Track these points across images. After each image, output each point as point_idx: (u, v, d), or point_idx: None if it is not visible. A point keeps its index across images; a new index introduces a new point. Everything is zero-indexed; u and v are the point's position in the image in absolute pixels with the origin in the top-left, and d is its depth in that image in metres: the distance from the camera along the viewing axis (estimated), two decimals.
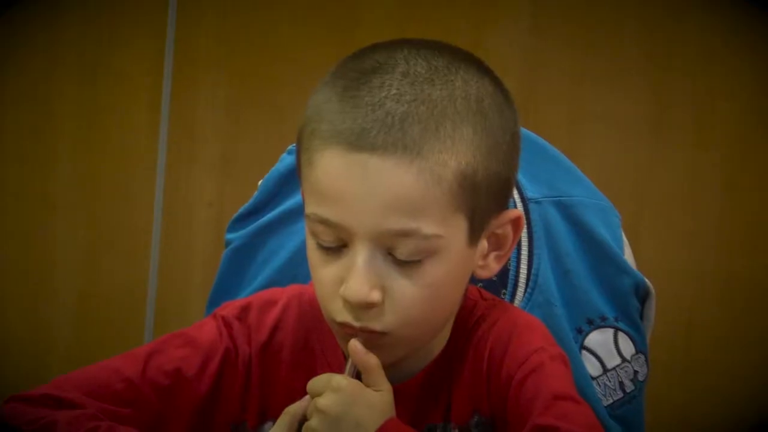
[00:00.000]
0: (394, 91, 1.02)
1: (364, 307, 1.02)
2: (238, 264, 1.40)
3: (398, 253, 1.01)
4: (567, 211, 1.36)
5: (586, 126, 2.26)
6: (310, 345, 1.16)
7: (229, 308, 1.17)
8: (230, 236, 1.39)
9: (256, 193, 1.39)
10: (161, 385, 1.14)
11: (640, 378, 1.32)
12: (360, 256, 1.01)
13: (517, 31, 2.32)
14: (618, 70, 2.30)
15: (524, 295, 1.32)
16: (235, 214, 1.40)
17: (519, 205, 1.32)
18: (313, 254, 1.07)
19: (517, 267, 1.33)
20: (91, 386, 1.14)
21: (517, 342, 1.09)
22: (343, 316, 1.02)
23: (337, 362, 1.11)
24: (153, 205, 2.54)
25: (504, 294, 1.31)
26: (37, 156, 2.51)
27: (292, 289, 1.19)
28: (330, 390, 1.03)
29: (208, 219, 2.17)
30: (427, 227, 1.01)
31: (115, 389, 1.13)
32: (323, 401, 1.03)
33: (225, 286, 1.37)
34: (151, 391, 1.14)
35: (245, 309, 1.17)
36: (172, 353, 1.15)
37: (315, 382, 1.05)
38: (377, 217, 1.01)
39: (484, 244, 1.07)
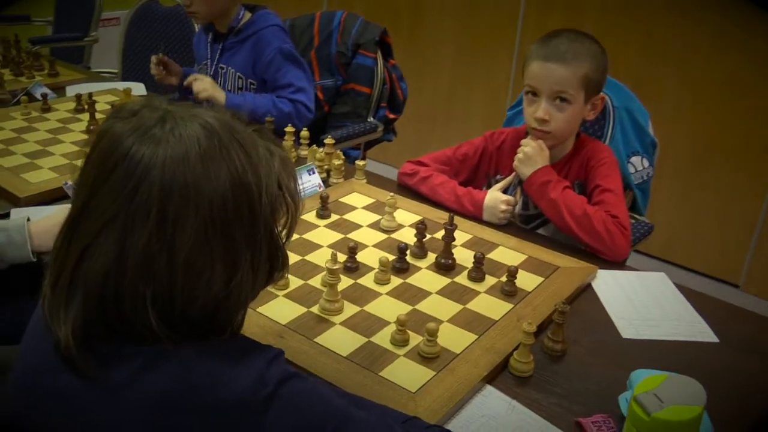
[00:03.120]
0: (562, 41, 1.73)
1: (542, 122, 1.75)
2: (509, 121, 2.17)
3: (557, 101, 1.71)
4: (629, 113, 2.04)
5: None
6: (516, 144, 1.87)
7: (489, 132, 1.97)
8: (509, 112, 2.19)
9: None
10: (459, 159, 1.96)
11: (650, 174, 2.02)
12: (543, 102, 1.73)
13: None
14: None
15: (608, 141, 2.03)
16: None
17: (609, 107, 1.99)
18: (526, 102, 1.76)
19: (607, 132, 2.03)
20: (433, 158, 1.96)
21: (598, 155, 1.83)
22: (534, 125, 1.77)
23: None
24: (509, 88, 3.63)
25: (602, 138, 2.00)
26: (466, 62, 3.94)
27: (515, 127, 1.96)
28: (528, 146, 1.77)
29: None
30: (570, 92, 1.72)
31: (443, 160, 1.97)
32: (526, 148, 1.77)
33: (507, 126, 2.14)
34: (456, 161, 1.97)
35: (493, 133, 1.96)
36: (464, 148, 1.96)
37: (523, 141, 1.78)
38: (550, 86, 1.72)
39: (589, 106, 1.77)
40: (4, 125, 2.17)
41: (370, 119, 2.75)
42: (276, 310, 1.42)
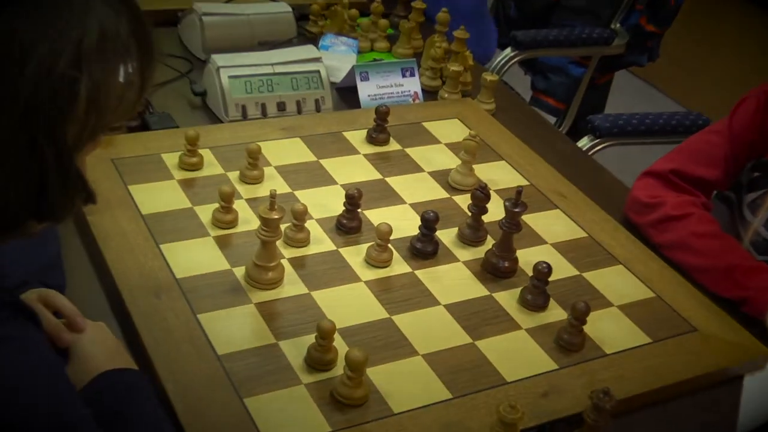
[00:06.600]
0: None
1: None
2: None
3: None
4: None
5: None
6: None
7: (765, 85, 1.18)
8: None
9: None
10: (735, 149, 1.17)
11: None
12: None
13: None
14: None
15: None
16: None
17: None
18: None
19: None
20: (688, 153, 1.19)
21: None
22: None
23: None
24: None
25: None
26: None
27: None
28: None
29: None
30: None
31: (710, 159, 1.17)
32: None
33: None
34: (730, 155, 1.18)
35: None
36: (738, 121, 1.16)
37: None
38: None
39: None
40: None
41: (615, 26, 1.93)
42: (188, 254, 0.94)
